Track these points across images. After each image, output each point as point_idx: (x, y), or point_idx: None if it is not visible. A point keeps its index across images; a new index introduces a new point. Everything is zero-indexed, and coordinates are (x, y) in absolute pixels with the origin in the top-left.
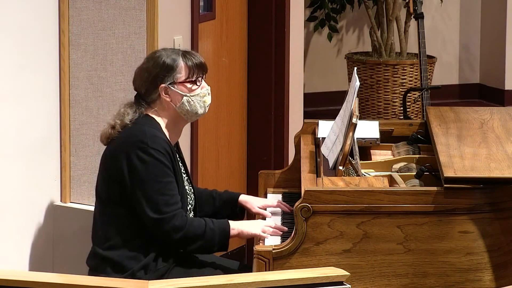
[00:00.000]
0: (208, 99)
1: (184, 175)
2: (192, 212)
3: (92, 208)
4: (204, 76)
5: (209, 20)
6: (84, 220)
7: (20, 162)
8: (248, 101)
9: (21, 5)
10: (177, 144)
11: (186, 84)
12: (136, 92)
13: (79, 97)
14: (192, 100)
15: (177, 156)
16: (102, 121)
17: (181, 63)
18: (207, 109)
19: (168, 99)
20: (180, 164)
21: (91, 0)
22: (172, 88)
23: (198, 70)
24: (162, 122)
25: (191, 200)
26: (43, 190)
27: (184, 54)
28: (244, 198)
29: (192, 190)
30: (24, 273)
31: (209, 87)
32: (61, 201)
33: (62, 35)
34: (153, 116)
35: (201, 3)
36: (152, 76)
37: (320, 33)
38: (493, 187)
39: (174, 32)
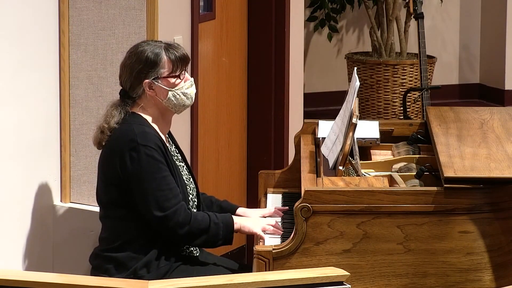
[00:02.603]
0: (192, 90)
1: (181, 163)
2: (196, 200)
3: (92, 208)
4: (186, 68)
5: (209, 20)
6: (84, 220)
7: (20, 162)
8: (248, 101)
9: (21, 5)
10: (169, 134)
11: (169, 79)
12: (121, 88)
13: (79, 97)
14: (178, 94)
15: (172, 146)
16: None
17: (164, 57)
18: (193, 99)
19: (153, 94)
20: (176, 153)
21: (91, 0)
22: (156, 83)
23: (181, 64)
24: (149, 117)
25: (191, 190)
26: (43, 190)
27: (167, 47)
28: (241, 211)
29: (191, 179)
30: (24, 273)
31: (192, 78)
32: (61, 201)
33: (62, 35)
34: (140, 113)
35: (201, 3)
36: (136, 72)
37: (320, 33)
38: (493, 187)
39: (174, 32)
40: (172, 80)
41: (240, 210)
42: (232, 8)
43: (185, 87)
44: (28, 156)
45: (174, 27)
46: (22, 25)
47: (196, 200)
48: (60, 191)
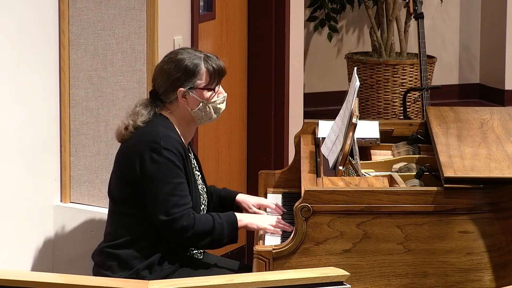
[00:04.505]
0: (223, 106)
1: (198, 173)
2: (206, 210)
3: (92, 208)
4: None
5: (209, 20)
6: (84, 220)
7: (20, 162)
8: (248, 101)
9: (21, 5)
10: (189, 144)
11: (204, 91)
12: (152, 89)
13: (79, 97)
14: (208, 107)
15: (191, 155)
16: (102, 121)
17: (203, 68)
18: (220, 115)
19: (184, 102)
20: (194, 162)
21: (91, 0)
22: (190, 93)
23: (218, 76)
24: (175, 122)
25: (203, 200)
26: (43, 190)
27: (206, 59)
28: (241, 198)
29: (205, 189)
30: (24, 273)
31: (226, 94)
32: (61, 201)
33: (62, 35)
34: (167, 116)
35: (201, 3)
36: (173, 79)
37: (320, 33)
38: (493, 187)
39: (174, 32)
40: (207, 93)
41: (239, 197)
42: (232, 8)
43: (218, 101)
44: (28, 156)
45: (174, 27)
46: (22, 25)
47: (206, 210)
48: (60, 191)
